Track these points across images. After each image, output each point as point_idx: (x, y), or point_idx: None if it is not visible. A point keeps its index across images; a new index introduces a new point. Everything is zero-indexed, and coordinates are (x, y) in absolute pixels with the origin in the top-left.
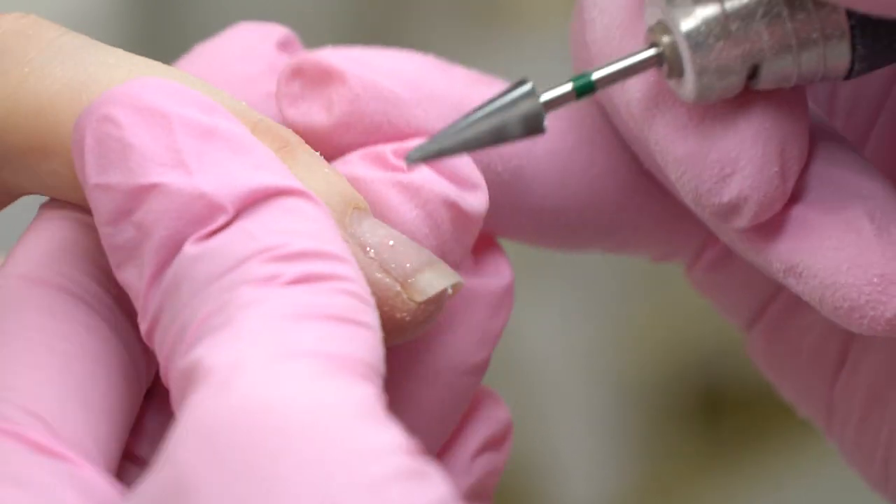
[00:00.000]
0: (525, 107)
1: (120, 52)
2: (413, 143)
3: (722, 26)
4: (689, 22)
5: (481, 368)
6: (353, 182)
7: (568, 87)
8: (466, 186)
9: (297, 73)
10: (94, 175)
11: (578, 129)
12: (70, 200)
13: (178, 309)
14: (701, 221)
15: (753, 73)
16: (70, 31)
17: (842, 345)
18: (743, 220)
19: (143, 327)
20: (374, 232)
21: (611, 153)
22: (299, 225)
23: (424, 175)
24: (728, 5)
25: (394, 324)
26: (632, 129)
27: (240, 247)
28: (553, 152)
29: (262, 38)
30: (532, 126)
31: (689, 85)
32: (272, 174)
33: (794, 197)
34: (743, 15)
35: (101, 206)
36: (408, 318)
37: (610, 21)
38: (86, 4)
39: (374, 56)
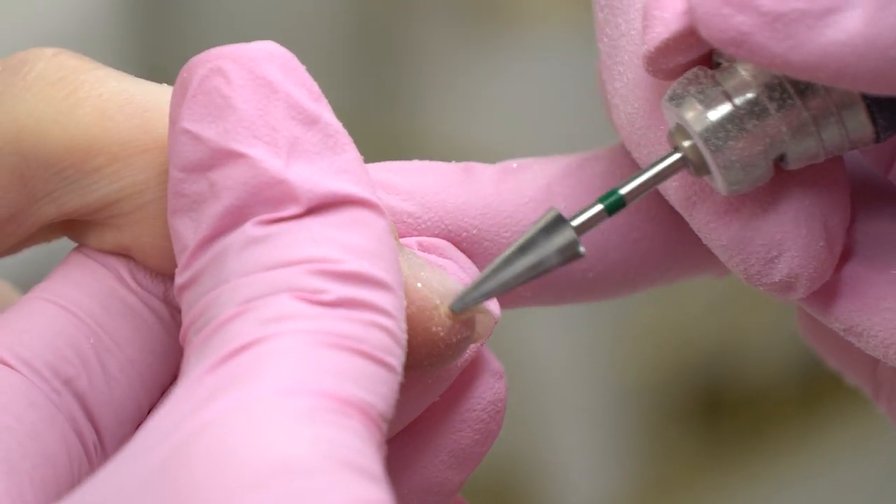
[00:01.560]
0: (559, 240)
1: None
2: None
3: (736, 124)
4: (705, 126)
5: (456, 489)
6: None
7: (598, 207)
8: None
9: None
10: (188, 120)
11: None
12: (107, 203)
13: (220, 280)
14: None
15: (782, 156)
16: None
17: None
18: (797, 294)
19: (179, 280)
20: (413, 257)
21: (650, 214)
22: (363, 241)
23: (451, 265)
24: (738, 101)
25: (428, 337)
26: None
27: (298, 246)
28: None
29: None
30: (568, 255)
31: (718, 181)
32: (355, 182)
33: (845, 256)
34: (756, 112)
35: (183, 152)
36: (442, 333)
37: (633, 111)
38: (85, 11)
39: (392, 173)
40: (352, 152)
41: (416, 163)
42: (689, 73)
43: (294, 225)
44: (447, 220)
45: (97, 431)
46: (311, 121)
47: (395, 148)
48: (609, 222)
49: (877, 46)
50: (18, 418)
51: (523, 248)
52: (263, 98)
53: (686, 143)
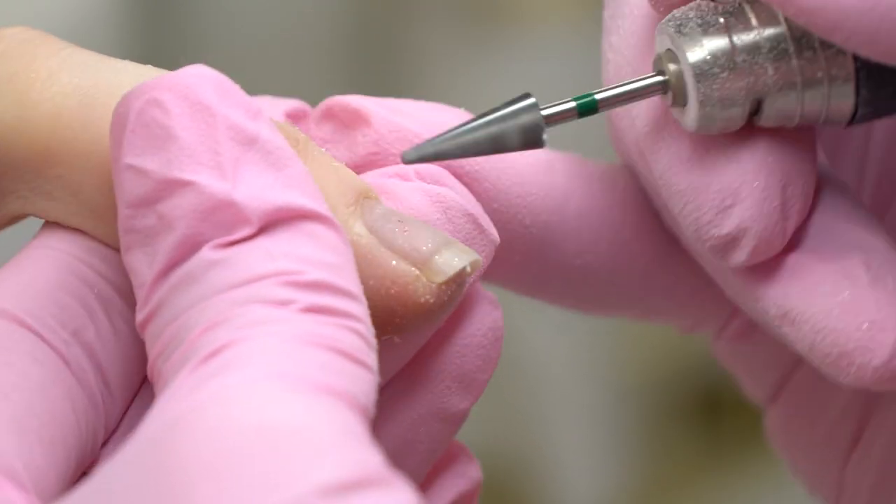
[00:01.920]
0: (525, 118)
1: (127, 62)
2: (432, 167)
3: (728, 58)
4: (697, 52)
5: (461, 418)
6: (377, 187)
7: (571, 104)
8: (486, 219)
9: (328, 116)
10: (130, 155)
11: (611, 192)
12: (67, 211)
13: (182, 308)
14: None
15: (757, 109)
16: (76, 45)
17: (858, 423)
18: (741, 255)
19: (139, 316)
20: (388, 218)
21: (643, 217)
22: (319, 253)
23: (447, 191)
24: (736, 38)
25: (418, 308)
26: (644, 174)
27: (257, 264)
28: (584, 212)
29: (270, 106)
30: (530, 138)
31: (691, 113)
32: (302, 194)
33: (793, 245)
34: (750, 48)
35: (129, 188)
36: (432, 300)
37: (622, 59)
38: (84, 11)
39: (404, 103)
40: (295, 165)
41: (433, 105)
42: (693, 4)
43: (250, 245)
44: None
45: (105, 383)
46: (250, 140)
47: None
48: (603, 211)
49: (881, 4)
50: (25, 375)
51: (489, 122)
52: (202, 123)
53: (672, 67)
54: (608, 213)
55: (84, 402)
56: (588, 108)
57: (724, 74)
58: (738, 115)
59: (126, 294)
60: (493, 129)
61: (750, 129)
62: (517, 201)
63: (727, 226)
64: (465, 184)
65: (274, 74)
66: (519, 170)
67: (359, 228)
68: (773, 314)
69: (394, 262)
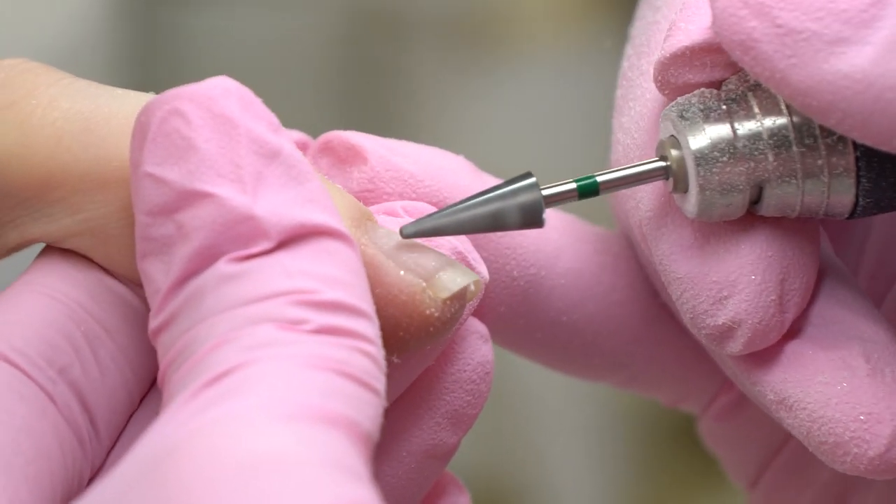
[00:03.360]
0: (525, 198)
1: (126, 90)
2: (421, 205)
3: (729, 144)
4: (698, 138)
5: (451, 453)
6: None
7: (571, 185)
8: (474, 256)
9: (326, 150)
10: (150, 164)
11: (604, 256)
12: (67, 231)
13: (196, 320)
14: (716, 366)
15: (758, 198)
16: (74, 76)
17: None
18: (736, 346)
19: (152, 324)
20: (390, 237)
21: (633, 283)
22: (335, 271)
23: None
24: (738, 125)
25: (423, 320)
26: (644, 252)
27: (274, 280)
28: (575, 271)
29: None
30: (529, 217)
31: (692, 199)
32: (321, 211)
33: (794, 332)
34: (751, 135)
35: (147, 196)
36: (437, 314)
37: (631, 142)
38: (77, 41)
39: (404, 144)
40: (314, 181)
41: (432, 148)
42: (697, 91)
43: (267, 260)
44: (445, 191)
45: (91, 421)
46: (273, 154)
47: None
48: (594, 272)
49: (875, 86)
50: (10, 412)
51: (489, 199)
52: (224, 135)
53: (674, 153)
54: (599, 275)
55: (70, 438)
56: (589, 190)
57: (725, 159)
58: (738, 201)
59: (113, 332)
60: (493, 206)
61: (752, 218)
62: (506, 251)
63: (722, 316)
64: None
65: (267, 101)
66: None
67: (366, 240)
68: (771, 399)
69: (402, 273)
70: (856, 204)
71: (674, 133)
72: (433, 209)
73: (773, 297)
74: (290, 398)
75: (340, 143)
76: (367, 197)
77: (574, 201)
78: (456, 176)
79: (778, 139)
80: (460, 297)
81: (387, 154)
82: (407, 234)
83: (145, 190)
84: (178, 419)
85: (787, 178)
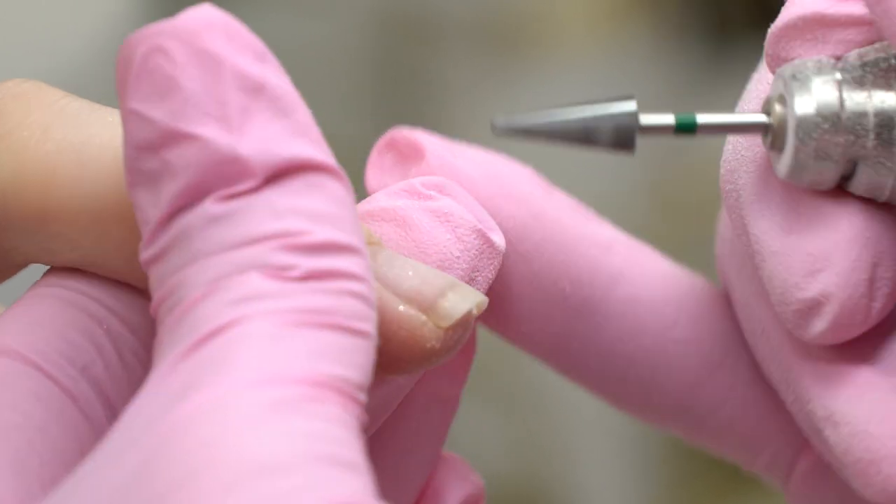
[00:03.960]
0: (622, 119)
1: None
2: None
3: (834, 112)
4: (805, 102)
5: (455, 398)
6: (385, 211)
7: (670, 118)
8: (490, 225)
9: (391, 146)
10: (135, 101)
11: (669, 289)
12: (71, 264)
13: (186, 260)
14: (791, 425)
15: (851, 173)
16: (70, 94)
17: None
18: (822, 323)
19: (143, 255)
20: (391, 264)
21: (698, 322)
22: (323, 206)
23: (453, 205)
24: (847, 96)
25: (423, 353)
26: (741, 245)
27: (261, 221)
28: (632, 299)
29: None
30: (622, 140)
31: (786, 159)
32: (308, 144)
33: (859, 357)
34: (857, 110)
35: (133, 131)
36: (438, 346)
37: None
38: (105, 40)
39: (466, 147)
40: (302, 110)
41: (498, 156)
42: (815, 57)
43: (253, 199)
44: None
45: (115, 417)
46: (259, 87)
47: None
48: (653, 304)
49: None
50: (26, 415)
51: (584, 112)
52: (208, 72)
53: (779, 109)
54: (660, 308)
55: (91, 437)
56: (687, 127)
57: (826, 126)
58: (831, 171)
59: (136, 328)
60: (589, 121)
61: (846, 196)
62: (560, 266)
63: (814, 289)
64: (510, 240)
65: None
66: (570, 237)
67: None
68: (819, 416)
69: (401, 308)
70: None
71: (783, 92)
72: (453, 184)
73: (864, 277)
74: (277, 371)
75: (403, 140)
76: None
77: (669, 135)
78: (515, 185)
79: (883, 119)
80: (464, 322)
81: (446, 154)
82: (498, 126)
83: (131, 125)
84: (166, 392)
85: (883, 161)
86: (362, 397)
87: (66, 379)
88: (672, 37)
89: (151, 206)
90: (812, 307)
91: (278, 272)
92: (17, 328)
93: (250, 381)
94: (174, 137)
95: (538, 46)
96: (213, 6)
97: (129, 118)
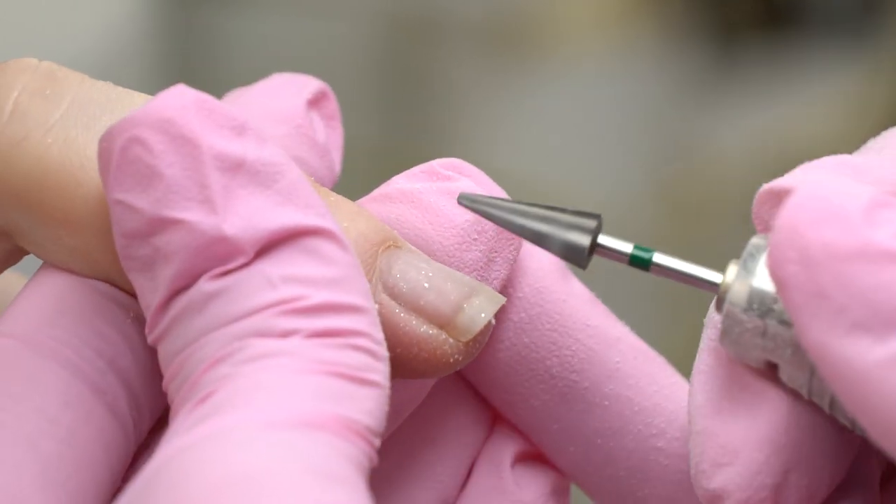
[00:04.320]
0: (576, 236)
1: (144, 98)
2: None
3: (763, 312)
4: (741, 289)
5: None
6: (403, 193)
7: (628, 246)
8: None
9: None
10: (119, 191)
11: (660, 396)
12: (87, 275)
13: (187, 341)
14: None
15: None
16: (88, 78)
17: None
18: None
19: (150, 338)
20: (407, 277)
21: (686, 439)
22: (319, 270)
23: (471, 185)
24: (778, 304)
25: (445, 366)
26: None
27: (256, 293)
28: (622, 398)
29: (295, 93)
30: (571, 256)
31: (720, 325)
32: (297, 209)
33: None
34: (784, 320)
35: (121, 221)
36: (461, 359)
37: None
38: (115, 38)
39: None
40: (287, 176)
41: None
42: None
43: (248, 272)
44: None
45: (138, 407)
46: (237, 164)
47: None
48: (644, 413)
49: (871, 383)
50: (54, 420)
51: (545, 217)
52: (187, 157)
53: (730, 276)
54: (649, 413)
55: (116, 435)
56: (640, 262)
57: (750, 325)
58: (752, 359)
59: None
60: (545, 226)
61: (780, 391)
62: (550, 346)
63: (716, 481)
64: (507, 308)
65: None
66: (571, 321)
67: (382, 298)
68: None
69: (422, 329)
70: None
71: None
72: (471, 166)
73: (769, 482)
74: (277, 407)
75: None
76: None
77: (623, 263)
78: (528, 258)
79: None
80: (484, 331)
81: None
82: (461, 200)
83: (118, 215)
84: (169, 442)
85: (801, 370)
86: (374, 441)
87: (95, 372)
88: (677, 37)
89: (150, 292)
90: (714, 499)
91: (281, 335)
92: (40, 314)
93: (254, 417)
94: (161, 224)
95: (543, 48)
96: (186, 87)
97: (116, 209)
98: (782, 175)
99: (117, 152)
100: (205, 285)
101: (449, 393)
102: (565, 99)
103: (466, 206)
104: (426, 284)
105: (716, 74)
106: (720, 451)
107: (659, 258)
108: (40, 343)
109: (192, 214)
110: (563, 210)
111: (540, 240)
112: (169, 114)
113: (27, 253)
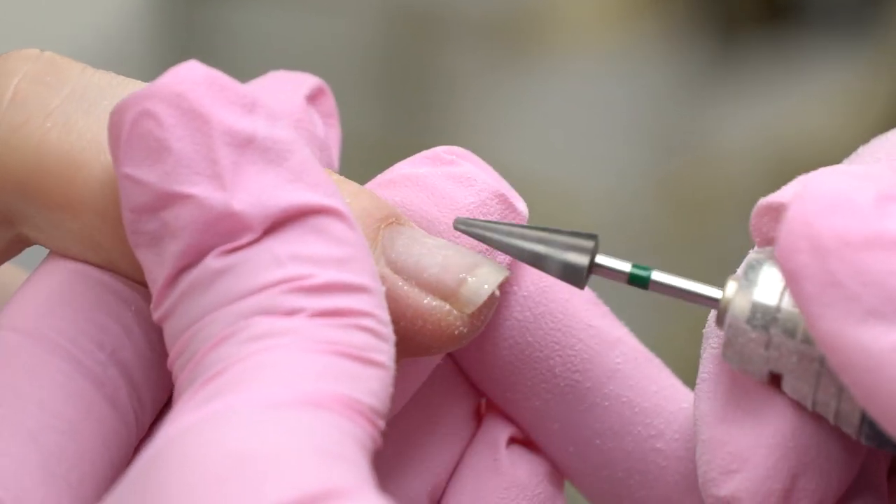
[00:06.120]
0: (574, 257)
1: (144, 85)
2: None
3: (766, 322)
4: (743, 302)
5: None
6: (406, 178)
7: (626, 266)
8: (511, 192)
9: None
10: (128, 165)
11: (659, 398)
12: (89, 260)
13: (193, 318)
14: None
15: (780, 376)
16: (89, 67)
17: None
18: None
19: (155, 315)
20: (410, 251)
21: (684, 441)
22: (327, 249)
23: (474, 170)
24: (782, 310)
25: (450, 339)
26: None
27: (264, 270)
28: (622, 399)
29: (293, 89)
30: (569, 276)
31: (722, 339)
32: (306, 187)
33: None
34: (788, 328)
35: (130, 195)
36: (465, 330)
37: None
38: (116, 30)
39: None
40: (297, 154)
41: None
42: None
43: (254, 250)
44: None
45: (140, 399)
46: (248, 140)
47: None
48: (644, 414)
49: (886, 370)
50: (55, 414)
51: (542, 239)
52: (197, 132)
53: (729, 292)
54: (649, 415)
55: (117, 429)
56: (639, 280)
57: (754, 335)
58: (756, 372)
59: None
60: (541, 248)
61: (784, 399)
62: (553, 345)
63: (726, 488)
64: (512, 308)
65: None
66: (574, 321)
67: (385, 272)
68: None
69: (426, 301)
70: (857, 438)
71: (743, 274)
72: (472, 154)
73: (778, 487)
74: (281, 387)
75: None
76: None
77: (622, 282)
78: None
79: (808, 347)
80: (490, 304)
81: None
82: (458, 224)
83: (127, 189)
84: (173, 422)
85: (806, 380)
86: (379, 422)
87: (96, 365)
88: (680, 32)
89: (157, 267)
90: None
91: (287, 315)
92: (41, 307)
93: (258, 397)
94: (169, 199)
95: (545, 43)
96: (198, 62)
97: (125, 183)
98: (784, 170)
99: (128, 125)
100: (212, 262)
101: (444, 381)
102: (568, 94)
103: (462, 231)
104: (429, 258)
105: (718, 69)
106: (728, 459)
107: (657, 276)
108: (41, 336)
109: (200, 189)
110: (559, 231)
111: (538, 261)
112: (181, 88)
113: (28, 244)
